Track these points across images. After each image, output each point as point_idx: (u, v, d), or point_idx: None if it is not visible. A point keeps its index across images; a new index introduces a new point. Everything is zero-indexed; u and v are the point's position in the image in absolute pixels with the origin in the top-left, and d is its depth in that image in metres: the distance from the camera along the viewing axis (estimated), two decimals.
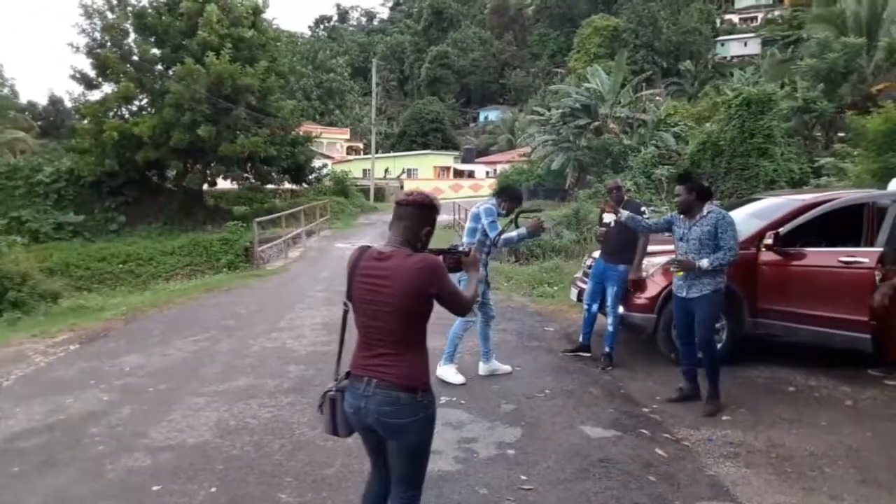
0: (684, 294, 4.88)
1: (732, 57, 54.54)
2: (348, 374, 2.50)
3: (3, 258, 9.31)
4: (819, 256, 5.62)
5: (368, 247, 2.50)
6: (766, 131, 16.91)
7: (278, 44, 25.95)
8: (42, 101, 45.68)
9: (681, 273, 4.87)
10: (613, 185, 6.27)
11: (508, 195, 5.70)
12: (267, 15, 25.53)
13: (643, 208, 6.19)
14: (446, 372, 5.59)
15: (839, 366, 5.78)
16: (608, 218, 6.17)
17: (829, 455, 4.14)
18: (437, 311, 2.46)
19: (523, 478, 3.77)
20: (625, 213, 5.34)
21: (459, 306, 2.50)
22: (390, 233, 2.47)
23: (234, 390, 5.45)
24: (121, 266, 19.35)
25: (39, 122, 41.46)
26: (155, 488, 3.69)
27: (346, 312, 2.52)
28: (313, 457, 4.07)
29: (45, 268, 17.25)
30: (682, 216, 5.00)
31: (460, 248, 2.70)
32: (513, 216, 5.57)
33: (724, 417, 4.80)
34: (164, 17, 22.34)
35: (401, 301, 2.33)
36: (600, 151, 26.26)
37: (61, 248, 20.05)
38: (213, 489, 3.66)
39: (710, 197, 4.93)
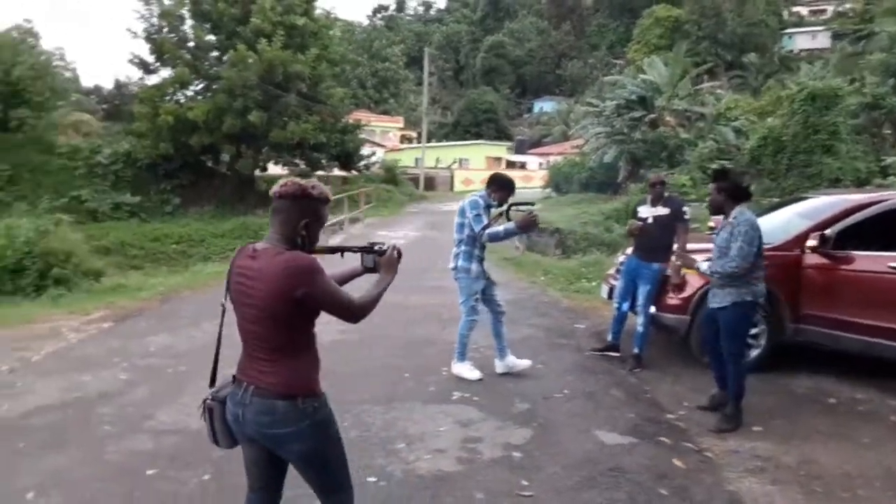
0: (710, 302, 4.58)
1: (800, 50, 52.41)
2: (235, 379, 2.31)
3: (50, 236, 9.57)
4: (868, 261, 5.20)
5: (250, 243, 2.27)
6: (831, 128, 16.14)
7: (330, 32, 26.09)
8: (108, 85, 47.37)
9: (693, 272, 4.61)
10: (657, 179, 6.00)
11: (498, 184, 5.26)
12: (326, 4, 25.82)
13: (685, 207, 5.88)
14: (461, 369, 5.41)
15: (889, 378, 5.37)
16: (645, 212, 5.89)
17: (866, 475, 3.81)
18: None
19: (524, 483, 3.58)
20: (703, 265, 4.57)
21: (344, 312, 2.22)
22: (270, 229, 2.23)
23: None
24: (173, 247, 19.85)
25: (104, 106, 42.98)
26: (150, 472, 3.65)
27: (223, 313, 2.33)
28: None
29: (102, 246, 17.87)
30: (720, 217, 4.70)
31: (376, 248, 2.50)
32: (504, 208, 5.28)
33: (755, 428, 4.49)
34: (219, 4, 22.66)
35: (269, 304, 2.10)
36: (655, 145, 25.57)
37: (118, 227, 20.68)
38: (207, 476, 3.60)
39: (745, 198, 4.53)
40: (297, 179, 2.22)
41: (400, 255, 2.52)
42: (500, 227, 5.13)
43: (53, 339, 6.65)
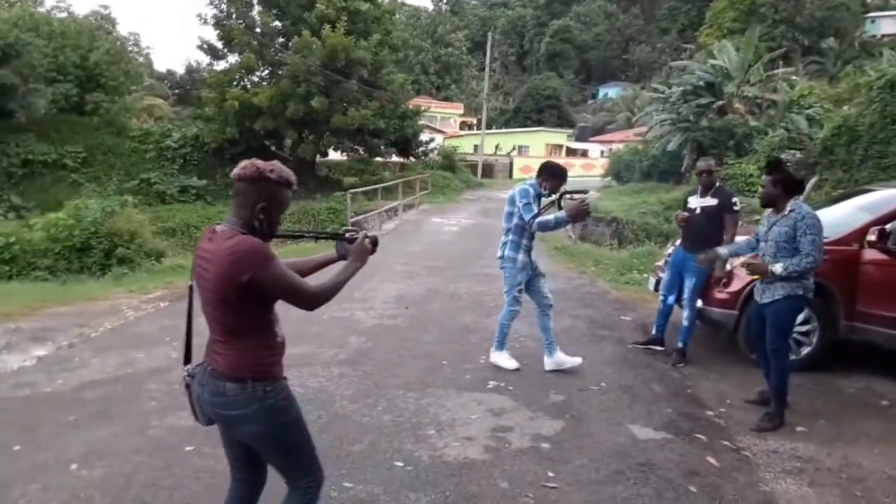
0: (759, 298, 4.42)
1: (883, 35, 49.45)
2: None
3: (116, 217, 10.01)
4: None
5: (215, 224, 2.23)
6: None
7: (393, 17, 26.19)
8: (180, 70, 48.85)
9: (756, 276, 4.42)
10: (705, 167, 5.79)
11: (549, 172, 5.13)
12: None
13: (735, 198, 5.68)
14: (499, 358, 5.41)
15: None
16: (693, 202, 5.74)
17: None
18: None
19: (550, 474, 3.56)
20: (724, 251, 4.82)
21: (296, 299, 2.16)
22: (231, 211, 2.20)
23: (292, 357, 5.41)
24: None
25: (176, 90, 44.43)
26: (188, 448, 3.79)
27: (191, 291, 2.35)
28: (344, 431, 4.05)
29: (168, 227, 18.62)
30: (769, 211, 4.53)
31: (347, 235, 2.44)
32: (555, 197, 5.17)
33: (798, 429, 4.34)
34: None
35: (219, 288, 2.08)
36: (722, 133, 24.71)
37: (184, 209, 21.46)
38: None
39: (799, 191, 4.36)
40: (257, 161, 2.17)
41: (375, 244, 2.44)
42: (550, 216, 5.00)
43: (113, 316, 6.97)
